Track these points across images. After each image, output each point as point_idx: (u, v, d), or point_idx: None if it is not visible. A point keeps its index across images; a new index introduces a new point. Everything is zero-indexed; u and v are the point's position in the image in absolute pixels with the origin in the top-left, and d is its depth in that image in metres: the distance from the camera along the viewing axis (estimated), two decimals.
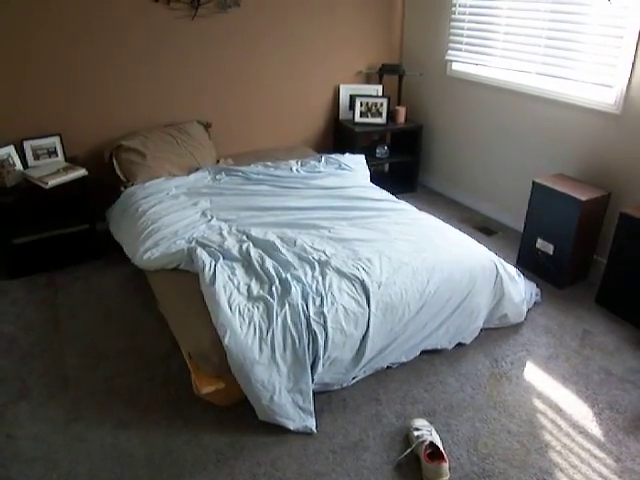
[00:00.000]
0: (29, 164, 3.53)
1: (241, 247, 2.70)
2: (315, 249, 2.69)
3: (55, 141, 3.60)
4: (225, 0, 3.83)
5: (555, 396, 2.46)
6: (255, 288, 2.41)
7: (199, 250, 2.61)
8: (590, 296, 3.18)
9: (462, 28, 4.07)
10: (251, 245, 2.72)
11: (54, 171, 3.40)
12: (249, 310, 2.27)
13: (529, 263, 3.41)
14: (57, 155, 3.61)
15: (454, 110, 4.36)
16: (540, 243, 3.29)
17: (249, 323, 2.23)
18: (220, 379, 2.23)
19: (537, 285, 3.16)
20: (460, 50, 4.12)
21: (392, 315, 2.43)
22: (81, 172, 3.45)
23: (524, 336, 2.85)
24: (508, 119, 3.86)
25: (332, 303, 2.34)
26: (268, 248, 2.68)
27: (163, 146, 3.73)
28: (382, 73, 4.56)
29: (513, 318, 2.87)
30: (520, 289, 2.88)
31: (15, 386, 2.58)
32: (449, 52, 4.23)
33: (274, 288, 2.38)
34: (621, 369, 2.62)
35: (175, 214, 3.08)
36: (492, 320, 2.83)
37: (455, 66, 4.26)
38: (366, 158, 4.00)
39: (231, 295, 2.34)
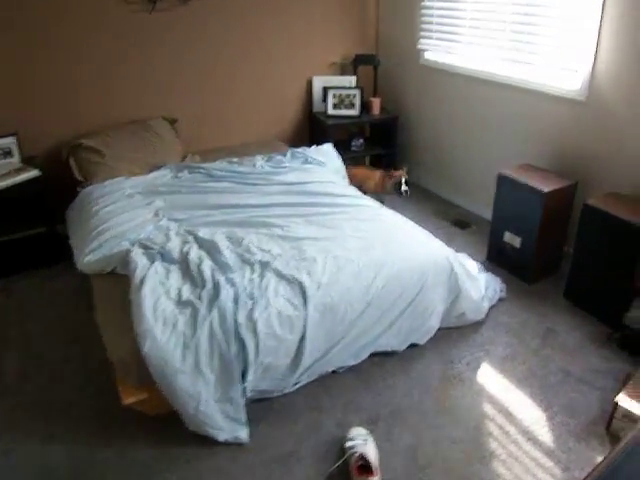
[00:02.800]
0: None
1: (182, 248, 2.58)
2: (261, 249, 2.57)
3: (10, 141, 3.48)
4: None
5: (507, 400, 2.31)
6: (186, 292, 2.29)
7: (134, 253, 2.50)
8: (559, 291, 3.01)
9: (432, 15, 3.90)
10: (194, 246, 2.60)
11: (4, 173, 3.30)
12: (175, 316, 2.16)
13: (498, 257, 3.25)
14: (12, 156, 3.50)
15: (428, 100, 4.20)
16: (508, 236, 3.13)
17: (172, 330, 2.11)
18: (144, 389, 2.12)
19: (502, 280, 3.00)
20: (431, 38, 3.95)
21: (332, 316, 2.29)
22: (34, 173, 3.35)
23: (483, 335, 2.70)
24: (479, 108, 3.69)
25: (265, 307, 2.21)
26: (210, 249, 2.56)
27: (125, 144, 3.62)
28: (356, 64, 4.40)
29: (472, 316, 2.72)
30: (479, 285, 2.73)
31: None
32: (421, 41, 4.06)
33: (204, 292, 2.26)
34: (580, 369, 2.46)
35: (126, 214, 2.96)
36: (449, 319, 2.68)
37: (427, 55, 4.10)
38: (342, 151, 3.86)
39: (158, 300, 2.22)
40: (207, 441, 2.12)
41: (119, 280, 2.47)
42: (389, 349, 2.54)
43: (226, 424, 2.13)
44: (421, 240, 2.67)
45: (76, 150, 3.52)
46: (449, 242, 3.45)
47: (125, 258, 2.49)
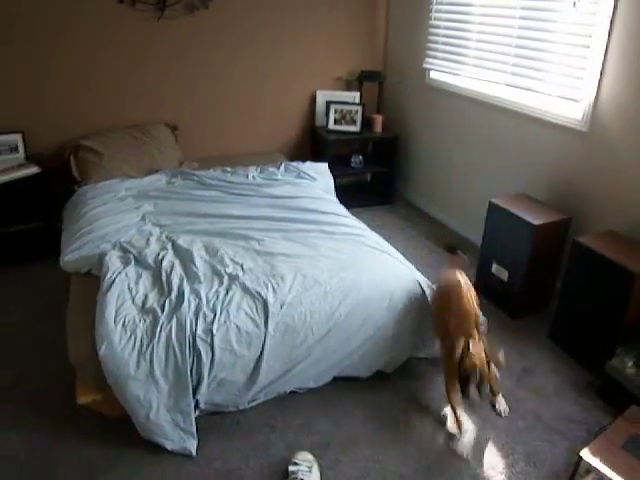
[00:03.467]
0: None
1: (158, 255, 2.62)
2: (234, 262, 2.59)
3: (17, 138, 3.63)
4: (192, 2, 3.77)
5: (468, 440, 2.26)
6: (152, 299, 2.32)
7: (108, 255, 2.55)
8: (544, 330, 2.94)
9: (438, 35, 3.88)
10: (170, 253, 2.64)
11: (6, 167, 3.43)
12: (134, 322, 2.19)
13: (484, 288, 3.18)
14: (18, 152, 3.64)
15: (431, 120, 4.16)
16: (495, 268, 3.07)
17: (130, 336, 2.14)
18: (100, 391, 2.16)
19: (484, 312, 2.93)
20: (437, 58, 3.92)
21: (292, 338, 2.29)
22: (33, 170, 3.48)
23: None
24: (480, 131, 3.64)
25: (225, 321, 2.23)
26: (184, 258, 2.60)
27: (123, 147, 3.72)
28: (361, 80, 4.39)
29: None
30: None
31: None
32: (427, 60, 4.03)
33: (167, 301, 2.29)
34: (552, 416, 2.39)
35: (113, 217, 3.03)
36: (421, 349, 2.64)
37: (433, 74, 4.07)
38: (341, 167, 3.85)
39: (122, 304, 2.27)
40: (157, 448, 2.15)
41: (95, 281, 2.51)
42: (353, 374, 2.52)
43: (175, 434, 2.15)
44: (397, 267, 2.64)
45: (76, 150, 3.62)
46: (438, 268, 3.42)
47: (100, 260, 2.53)
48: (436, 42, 3.89)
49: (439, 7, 3.82)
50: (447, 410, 2.34)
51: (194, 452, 2.15)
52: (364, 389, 2.51)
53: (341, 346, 2.41)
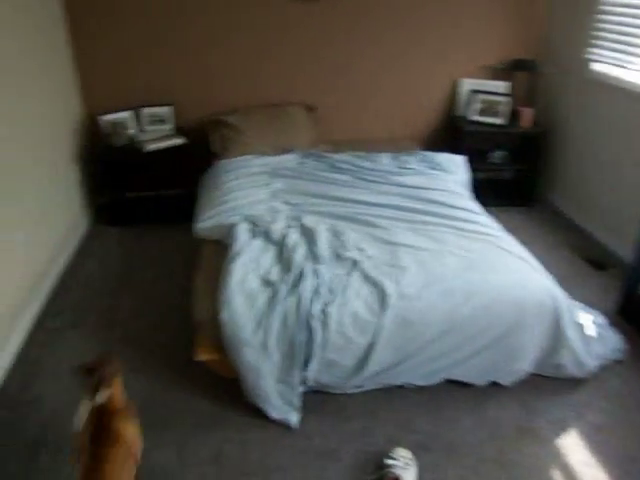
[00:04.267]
0: (143, 129, 3.89)
1: (284, 232, 2.68)
2: (357, 247, 2.57)
3: (168, 111, 3.93)
4: None
5: (582, 477, 2.05)
6: (274, 273, 2.39)
7: (238, 227, 2.68)
8: None
9: (607, 22, 3.46)
10: (296, 231, 2.69)
11: (157, 137, 3.73)
12: (256, 293, 2.27)
13: (630, 312, 2.86)
14: (167, 123, 3.93)
15: (589, 117, 3.75)
16: None
17: (251, 304, 2.22)
18: (216, 351, 2.26)
19: (626, 340, 2.66)
20: (602, 47, 3.51)
21: (407, 332, 2.23)
22: (179, 141, 3.75)
23: (580, 395, 2.41)
24: None
25: (341, 305, 2.23)
26: (309, 238, 2.63)
27: (261, 125, 3.84)
28: (512, 69, 4.05)
29: (572, 371, 2.44)
30: (590, 340, 2.44)
31: (74, 316, 2.92)
32: (589, 50, 3.62)
33: (289, 277, 2.33)
34: None
35: (246, 191, 3.14)
36: (543, 367, 2.45)
37: (595, 66, 3.64)
38: (478, 162, 3.63)
39: (247, 274, 2.36)
40: (261, 414, 2.22)
41: (223, 249, 2.63)
42: (466, 380, 2.40)
43: (280, 404, 2.20)
44: (529, 273, 2.44)
45: (217, 125, 3.81)
46: (577, 283, 3.17)
47: (231, 230, 2.65)
48: (603, 30, 3.50)
49: None
50: None
51: (295, 425, 2.19)
52: (476, 398, 2.38)
53: (457, 349, 2.31)
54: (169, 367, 2.52)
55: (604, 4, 3.49)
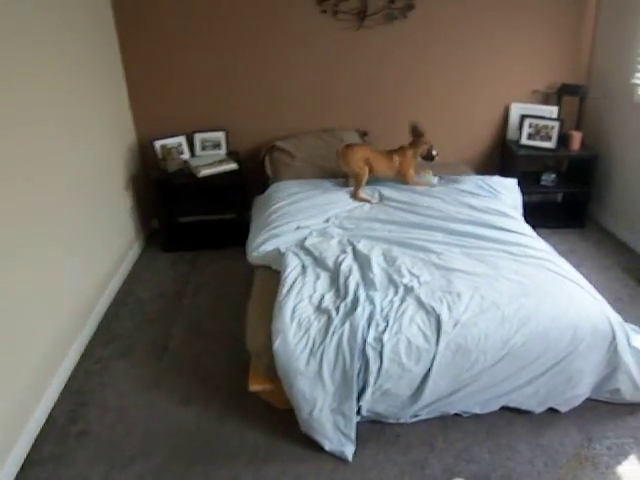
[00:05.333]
0: (196, 154, 3.97)
1: (337, 258, 2.68)
2: (411, 273, 2.55)
3: (221, 135, 4.00)
4: (392, 12, 3.80)
5: None
6: (327, 301, 2.38)
7: (291, 254, 2.68)
8: None
9: None
10: (350, 257, 2.69)
11: (210, 162, 3.76)
12: (309, 321, 2.26)
13: None
14: (220, 148, 3.99)
15: (638, 143, 3.73)
16: None
17: (304, 333, 2.22)
18: (271, 381, 2.26)
19: None
20: None
21: (463, 359, 2.21)
22: (233, 166, 3.78)
23: (638, 419, 2.36)
24: None
25: (396, 332, 2.21)
26: (363, 263, 2.63)
27: (314, 150, 3.89)
28: (561, 94, 4.11)
29: (630, 396, 2.39)
30: None
31: (124, 344, 2.96)
32: (637, 75, 3.63)
33: (343, 304, 2.33)
34: None
35: (299, 214, 3.16)
36: (600, 392, 2.40)
37: None
38: (530, 185, 3.64)
39: (300, 302, 2.35)
40: (315, 446, 2.20)
41: (277, 276, 2.64)
42: (523, 407, 2.36)
43: (335, 436, 2.18)
44: (583, 297, 2.40)
45: (271, 150, 3.87)
46: (631, 304, 3.12)
47: (282, 258, 2.66)
48: None
49: None
50: None
51: (350, 458, 2.17)
52: (533, 425, 2.34)
53: (514, 376, 2.27)
54: (221, 398, 2.52)
55: None
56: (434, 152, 3.52)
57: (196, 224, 4.06)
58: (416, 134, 3.52)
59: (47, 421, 2.42)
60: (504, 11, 3.94)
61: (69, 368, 2.72)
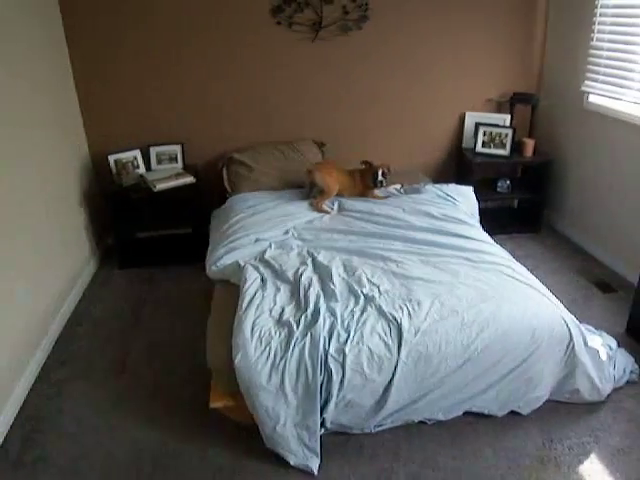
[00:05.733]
0: (152, 167, 3.89)
1: (298, 270, 2.66)
2: (371, 282, 2.56)
3: (177, 149, 3.94)
4: (347, 24, 3.83)
5: None
6: (288, 313, 2.36)
7: (250, 267, 2.65)
8: None
9: (600, 57, 3.58)
10: (310, 269, 2.68)
11: (166, 176, 3.70)
12: (270, 335, 2.24)
13: (639, 333, 2.88)
14: (177, 162, 3.93)
15: (589, 147, 3.84)
16: None
17: (265, 347, 2.19)
18: (232, 397, 2.23)
19: (637, 360, 2.66)
20: (597, 81, 3.63)
21: (425, 367, 2.22)
22: (189, 179, 3.72)
23: (598, 419, 2.41)
24: None
25: (358, 342, 2.20)
26: (323, 274, 2.62)
27: (272, 162, 3.87)
28: (513, 102, 4.20)
29: (588, 395, 2.44)
30: (603, 363, 2.45)
31: (81, 366, 2.86)
32: (586, 82, 3.74)
33: (303, 316, 2.31)
34: None
35: (258, 227, 3.13)
36: (560, 393, 2.45)
37: (592, 98, 3.76)
38: (485, 192, 3.71)
39: (260, 316, 2.33)
40: (280, 461, 2.17)
41: (236, 290, 2.59)
42: (485, 412, 2.38)
43: (300, 450, 2.16)
44: (540, 301, 2.45)
45: (229, 163, 3.83)
46: (586, 305, 3.20)
47: (242, 271, 2.63)
48: (597, 64, 3.61)
49: (602, 27, 3.54)
50: None
51: (316, 471, 2.14)
52: (496, 428, 2.36)
53: (475, 381, 2.29)
54: (183, 416, 2.46)
55: (597, 40, 3.61)
56: (380, 177, 3.52)
57: (153, 240, 3.98)
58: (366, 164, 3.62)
59: (1, 448, 2.32)
60: (457, 23, 4.02)
61: (23, 392, 2.62)
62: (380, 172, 3.52)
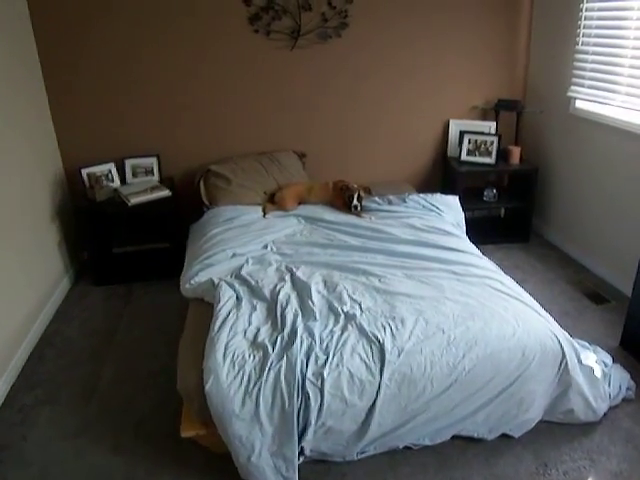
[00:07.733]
0: (127, 181, 3.75)
1: (275, 287, 2.53)
2: (352, 299, 2.43)
3: (152, 161, 3.80)
4: (326, 31, 3.73)
5: None
6: (263, 334, 2.23)
7: (225, 284, 2.52)
8: None
9: (586, 61, 3.50)
10: (288, 285, 2.55)
11: (141, 190, 3.56)
12: (243, 358, 2.10)
13: (634, 346, 2.76)
14: (153, 174, 3.80)
15: (576, 154, 3.75)
16: None
17: (238, 372, 2.05)
18: (204, 425, 2.08)
19: (633, 376, 2.54)
20: (583, 86, 3.54)
21: (409, 390, 2.08)
22: (165, 193, 3.58)
23: (594, 441, 2.28)
24: (635, 169, 3.19)
25: (337, 365, 2.07)
26: (302, 291, 2.49)
27: (251, 174, 3.74)
28: (498, 109, 4.11)
29: (583, 415, 2.31)
30: (598, 381, 2.32)
31: (49, 390, 2.71)
32: (572, 88, 3.66)
33: (279, 337, 2.17)
34: None
35: (236, 242, 3.01)
36: (553, 413, 2.32)
37: (578, 104, 3.68)
38: (472, 201, 3.60)
39: (233, 337, 2.19)
40: None
41: (211, 308, 2.46)
42: (475, 435, 2.25)
43: None
44: (530, 317, 2.32)
45: (206, 175, 3.68)
46: (578, 317, 3.09)
47: (216, 289, 2.49)
48: (583, 69, 3.53)
49: (587, 31, 3.47)
50: None
51: None
52: (486, 453, 2.22)
53: (463, 403, 2.16)
54: (154, 444, 2.31)
55: (583, 44, 3.53)
56: (355, 202, 3.39)
57: (129, 255, 3.83)
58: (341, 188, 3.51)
59: None
60: (439, 30, 3.93)
61: None
62: (355, 196, 3.39)
